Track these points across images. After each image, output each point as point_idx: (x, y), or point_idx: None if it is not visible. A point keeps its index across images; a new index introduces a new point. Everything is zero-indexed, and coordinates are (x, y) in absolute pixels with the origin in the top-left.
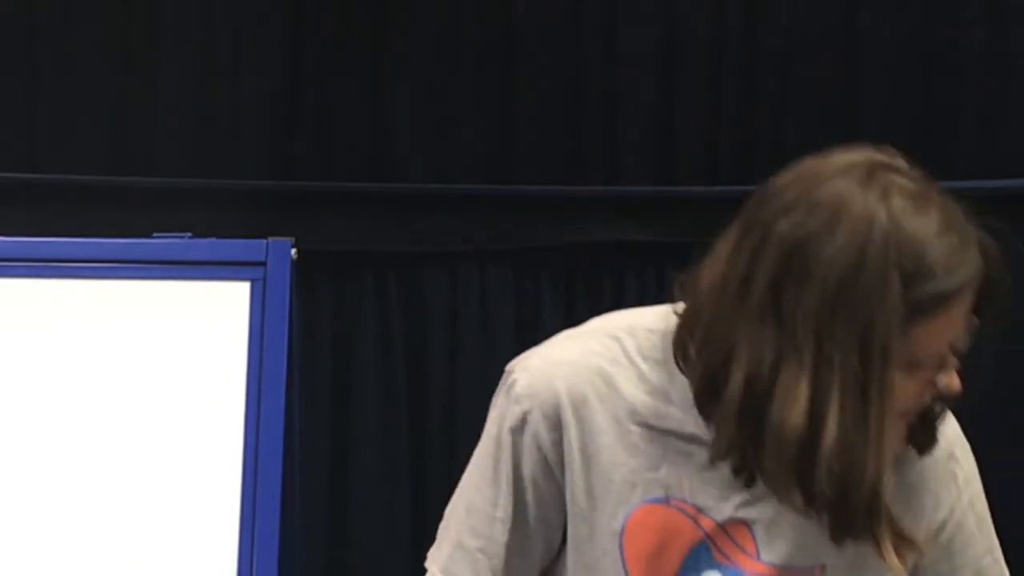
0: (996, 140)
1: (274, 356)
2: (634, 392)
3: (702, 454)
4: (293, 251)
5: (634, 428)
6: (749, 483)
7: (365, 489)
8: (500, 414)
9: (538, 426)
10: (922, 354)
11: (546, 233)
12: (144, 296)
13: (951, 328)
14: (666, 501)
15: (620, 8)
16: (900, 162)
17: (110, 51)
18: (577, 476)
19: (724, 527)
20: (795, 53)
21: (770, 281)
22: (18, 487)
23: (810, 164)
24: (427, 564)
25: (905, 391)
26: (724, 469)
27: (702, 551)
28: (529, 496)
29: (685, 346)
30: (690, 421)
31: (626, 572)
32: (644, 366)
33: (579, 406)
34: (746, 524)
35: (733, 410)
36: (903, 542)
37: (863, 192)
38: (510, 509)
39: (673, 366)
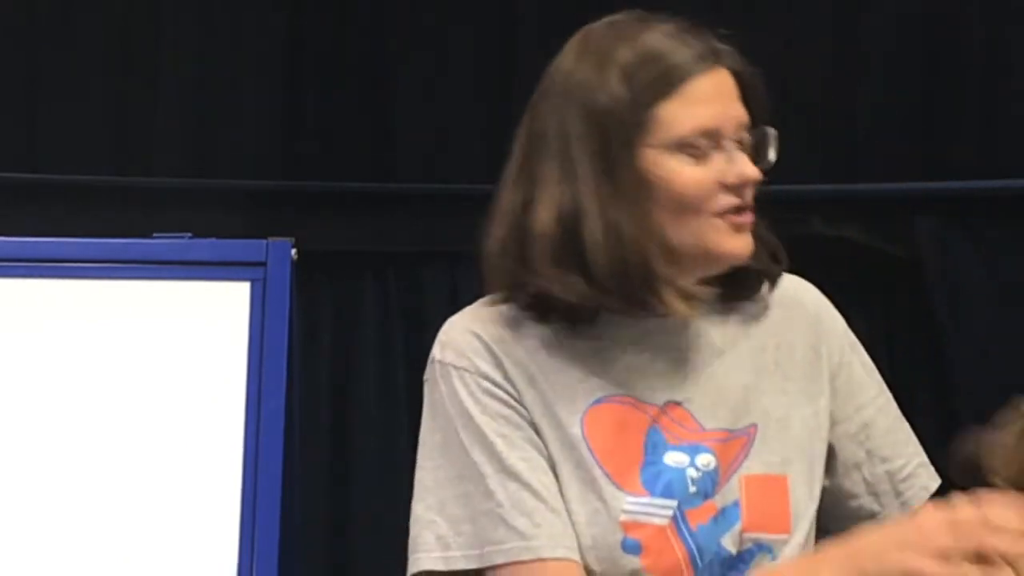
0: (996, 140)
1: (274, 356)
2: (532, 324)
3: (617, 356)
4: (293, 251)
5: (553, 347)
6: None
7: (365, 489)
8: (446, 393)
9: (484, 368)
10: (683, 135)
11: None
12: (144, 296)
13: (697, 106)
14: (608, 399)
15: (620, 8)
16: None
17: (110, 51)
18: (530, 399)
19: (664, 410)
20: (796, 53)
21: (531, 123)
22: (20, 486)
23: None
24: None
25: (692, 178)
26: (648, 362)
27: (655, 435)
28: (516, 434)
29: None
30: (591, 329)
31: (603, 471)
32: (525, 319)
33: (500, 342)
34: (679, 404)
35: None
36: (687, 296)
37: (581, 39)
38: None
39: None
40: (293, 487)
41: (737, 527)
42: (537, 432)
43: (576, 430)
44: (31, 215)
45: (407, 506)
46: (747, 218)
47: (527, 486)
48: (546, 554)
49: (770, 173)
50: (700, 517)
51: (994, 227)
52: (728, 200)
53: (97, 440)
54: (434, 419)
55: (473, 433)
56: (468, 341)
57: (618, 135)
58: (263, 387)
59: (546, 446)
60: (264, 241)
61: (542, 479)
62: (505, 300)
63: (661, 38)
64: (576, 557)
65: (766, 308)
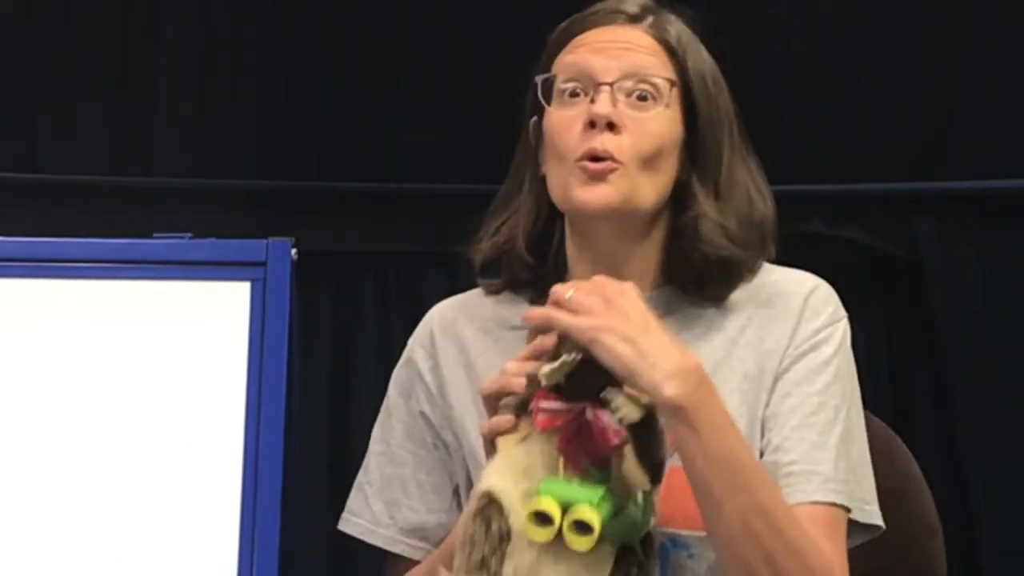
0: (996, 140)
1: (274, 356)
2: (495, 306)
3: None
4: (293, 251)
5: (504, 333)
6: None
7: None
8: (392, 379)
9: (419, 359)
10: (561, 81)
11: None
12: (144, 296)
13: (578, 55)
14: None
15: None
16: None
17: (110, 51)
18: (461, 389)
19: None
20: (795, 53)
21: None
22: (20, 486)
23: None
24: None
25: (557, 118)
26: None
27: None
28: (422, 425)
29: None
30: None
31: None
32: (498, 292)
33: (448, 326)
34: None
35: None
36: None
37: None
38: (405, 442)
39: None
40: (293, 487)
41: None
42: (454, 426)
43: None
44: (31, 215)
45: None
46: (601, 166)
47: (403, 478)
48: (388, 546)
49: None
50: None
51: (994, 227)
52: (586, 144)
53: (97, 440)
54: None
55: (384, 410)
56: (423, 327)
57: (534, 99)
58: (263, 387)
59: (468, 433)
60: (264, 241)
61: (422, 478)
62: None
63: (594, 7)
64: (418, 555)
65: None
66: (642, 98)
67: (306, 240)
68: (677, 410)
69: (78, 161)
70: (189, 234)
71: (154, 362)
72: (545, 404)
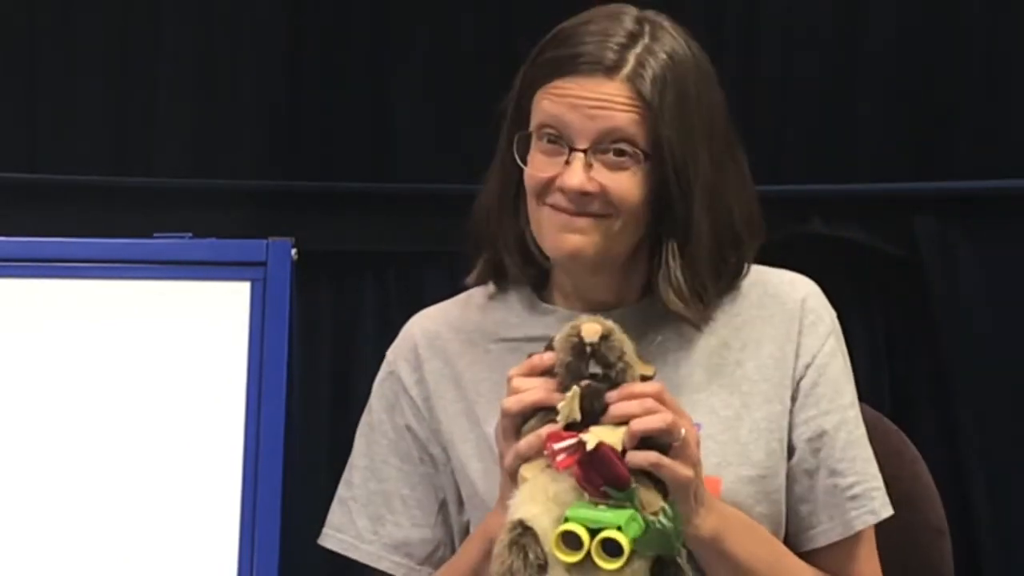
0: (996, 140)
1: (274, 356)
2: (480, 318)
3: None
4: (293, 251)
5: (491, 346)
6: None
7: None
8: (374, 393)
9: (402, 372)
10: (536, 125)
11: None
12: (144, 296)
13: (556, 107)
14: None
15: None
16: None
17: (110, 51)
18: (448, 401)
19: None
20: (795, 53)
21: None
22: (19, 486)
23: None
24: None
25: (535, 166)
26: None
27: None
28: (407, 439)
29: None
30: (536, 323)
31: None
32: (483, 301)
33: (432, 339)
34: None
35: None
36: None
37: None
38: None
39: (502, 294)
40: (293, 487)
41: None
42: (441, 439)
43: (491, 429)
44: (31, 215)
45: None
46: (576, 220)
47: (387, 493)
48: (372, 563)
49: (771, 173)
50: None
51: (994, 227)
52: (559, 199)
53: (96, 440)
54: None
55: (366, 424)
56: (404, 340)
57: (511, 110)
58: (263, 387)
59: (456, 446)
60: (264, 241)
61: (406, 493)
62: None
63: (581, 26)
64: (400, 572)
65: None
66: (619, 154)
67: (306, 240)
68: (711, 541)
69: (78, 161)
70: (189, 234)
71: (154, 362)
72: (559, 445)
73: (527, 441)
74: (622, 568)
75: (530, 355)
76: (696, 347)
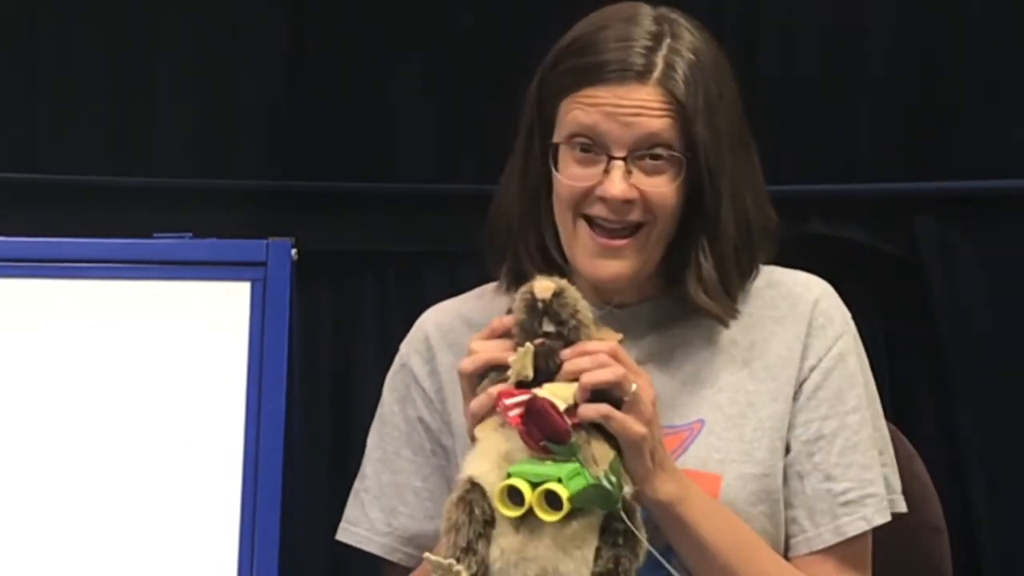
0: (996, 140)
1: (274, 356)
2: (492, 311)
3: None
4: (293, 251)
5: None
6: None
7: None
8: (386, 386)
9: (414, 364)
10: (570, 133)
11: None
12: (144, 296)
13: (587, 109)
14: None
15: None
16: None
17: (110, 51)
18: (460, 394)
19: None
20: (795, 53)
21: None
22: (19, 486)
23: None
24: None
25: (570, 176)
26: None
27: None
28: (419, 431)
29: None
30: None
31: None
32: (496, 294)
33: (446, 332)
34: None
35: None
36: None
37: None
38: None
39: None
40: (293, 487)
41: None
42: (453, 430)
43: None
44: (31, 215)
45: None
46: (614, 242)
47: (399, 485)
48: (386, 555)
49: (771, 173)
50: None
51: (994, 227)
52: (599, 210)
53: (96, 440)
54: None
55: (379, 417)
56: (416, 333)
57: (532, 118)
58: (263, 387)
59: (466, 438)
60: (264, 241)
61: (418, 484)
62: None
63: (600, 31)
64: (414, 564)
65: (752, 303)
66: (656, 158)
67: (306, 240)
68: (668, 505)
69: (78, 161)
70: (189, 234)
71: (154, 362)
72: (510, 400)
73: (479, 400)
74: (567, 521)
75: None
76: (708, 344)
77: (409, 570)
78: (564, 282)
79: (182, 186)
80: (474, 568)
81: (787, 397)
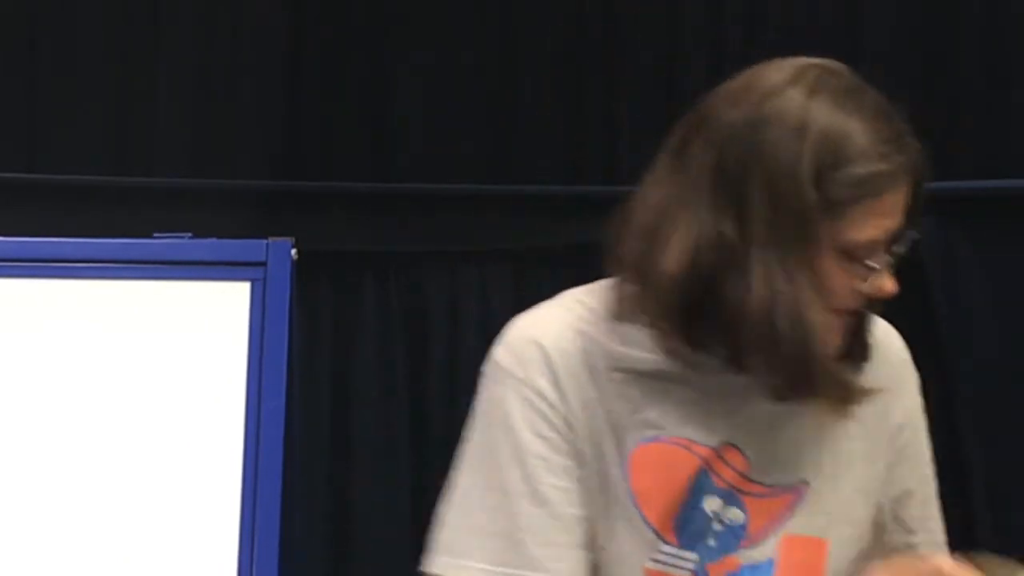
0: (996, 140)
1: (274, 356)
2: (606, 342)
3: (677, 390)
4: (293, 251)
5: (614, 375)
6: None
7: (365, 489)
8: (497, 398)
9: (539, 384)
10: (850, 241)
11: (546, 233)
12: (144, 296)
13: (880, 219)
14: (658, 439)
15: (621, 8)
16: (838, 66)
17: (110, 51)
18: (580, 424)
19: (718, 451)
20: (795, 52)
21: (708, 174)
22: (20, 486)
23: (749, 71)
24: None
25: (837, 281)
26: (708, 400)
27: (703, 477)
28: (556, 459)
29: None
30: (660, 360)
31: (638, 511)
32: (607, 319)
33: (565, 357)
34: (735, 446)
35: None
36: (845, 400)
37: (791, 87)
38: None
39: (626, 318)
40: (293, 487)
41: None
42: (581, 459)
43: (617, 470)
44: (31, 215)
45: (406, 506)
46: (845, 320)
47: (554, 516)
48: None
49: None
50: (719, 572)
51: (994, 227)
52: (851, 302)
53: (97, 440)
54: (481, 419)
55: (513, 448)
56: (529, 351)
57: (798, 214)
58: (263, 387)
59: (585, 478)
60: (264, 241)
61: (572, 512)
62: (613, 297)
63: (868, 134)
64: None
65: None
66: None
67: (306, 240)
68: None
69: (78, 161)
70: (189, 234)
71: (154, 361)
72: None
73: None
74: None
75: None
76: (808, 405)
77: None
78: None
79: (182, 186)
80: None
81: (883, 455)
